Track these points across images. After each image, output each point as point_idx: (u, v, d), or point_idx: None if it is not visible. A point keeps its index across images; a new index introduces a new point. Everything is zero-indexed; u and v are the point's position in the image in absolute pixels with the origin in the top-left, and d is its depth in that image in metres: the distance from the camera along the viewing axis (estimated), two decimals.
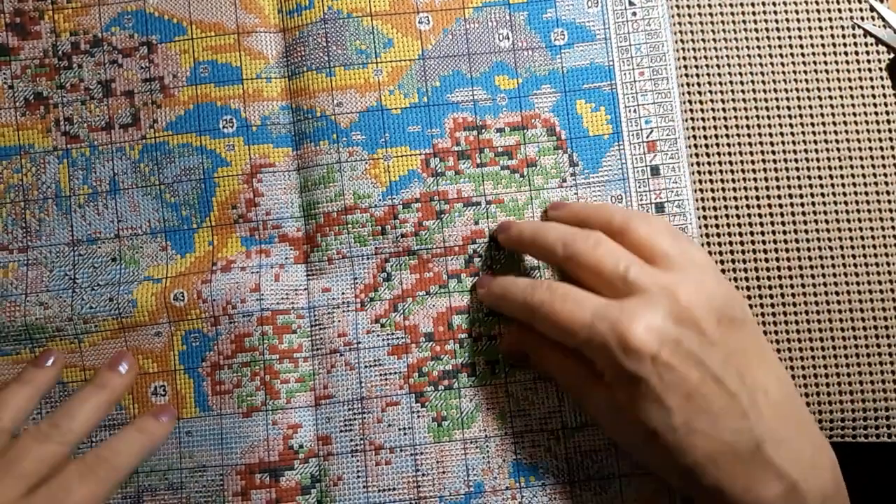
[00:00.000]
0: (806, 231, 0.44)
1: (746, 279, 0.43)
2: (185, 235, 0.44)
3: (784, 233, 0.44)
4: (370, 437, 0.42)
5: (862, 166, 0.44)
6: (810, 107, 0.45)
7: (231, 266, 0.43)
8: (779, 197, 0.44)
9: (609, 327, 0.35)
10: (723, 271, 0.43)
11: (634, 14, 0.44)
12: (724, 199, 0.44)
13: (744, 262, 0.43)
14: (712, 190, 0.44)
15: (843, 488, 0.36)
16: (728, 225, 0.44)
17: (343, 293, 0.43)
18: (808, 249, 0.44)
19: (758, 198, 0.44)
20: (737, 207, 0.43)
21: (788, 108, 0.44)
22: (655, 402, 0.35)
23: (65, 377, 0.43)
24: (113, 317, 0.43)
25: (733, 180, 0.44)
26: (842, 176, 0.44)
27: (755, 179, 0.44)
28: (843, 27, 0.45)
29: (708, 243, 0.43)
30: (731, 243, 0.43)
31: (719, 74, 0.44)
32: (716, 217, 0.44)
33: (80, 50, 0.44)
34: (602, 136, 0.44)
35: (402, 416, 0.42)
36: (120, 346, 0.43)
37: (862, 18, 0.45)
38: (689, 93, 0.44)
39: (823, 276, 0.44)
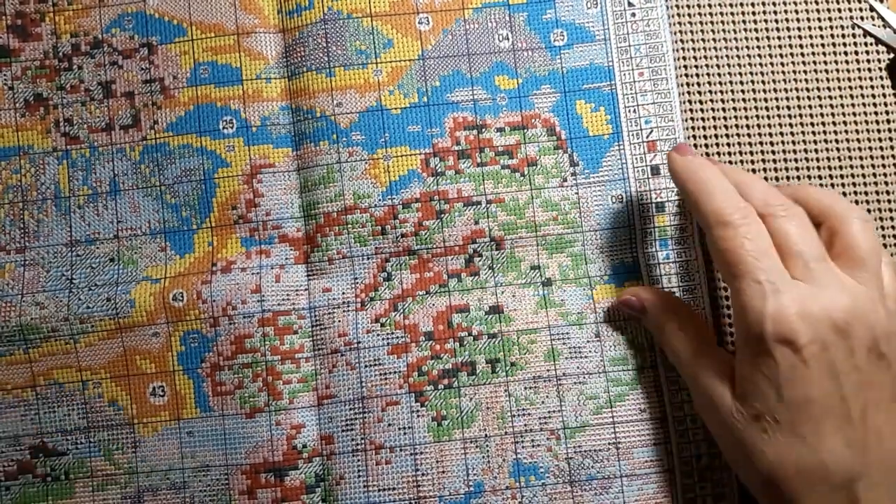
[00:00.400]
0: None
1: None
2: (185, 236, 0.44)
3: None
4: (371, 436, 0.42)
5: (862, 166, 0.45)
6: (810, 106, 0.45)
7: (231, 267, 0.43)
8: None
9: (772, 293, 0.34)
10: None
11: (633, 15, 0.44)
12: None
13: None
14: None
15: None
16: None
17: (343, 293, 0.43)
18: None
19: None
20: None
21: (788, 107, 0.45)
22: (773, 388, 0.35)
23: (60, 378, 0.43)
24: (110, 317, 0.43)
25: None
26: (841, 175, 0.45)
27: None
28: (842, 27, 0.46)
29: None
30: None
31: (719, 74, 0.45)
32: None
33: (80, 51, 0.45)
34: (602, 136, 0.44)
35: (402, 415, 0.42)
36: (116, 347, 0.43)
37: (862, 18, 0.46)
38: (688, 93, 0.45)
39: None
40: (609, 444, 0.42)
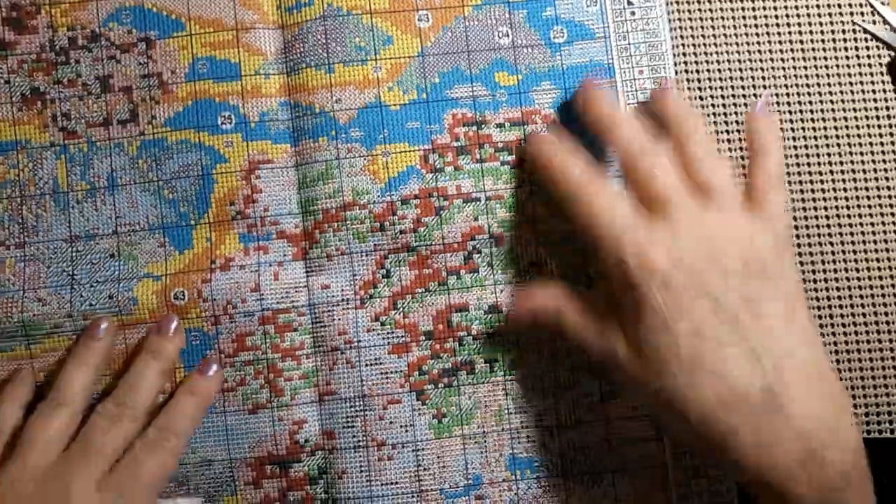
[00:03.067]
0: (807, 227, 0.46)
1: None
2: (183, 232, 0.46)
3: None
4: (372, 433, 0.45)
5: (862, 162, 0.47)
6: (810, 103, 0.47)
7: (230, 264, 0.45)
8: None
9: (632, 242, 0.38)
10: None
11: (633, 13, 0.46)
12: None
13: None
14: None
15: (868, 481, 0.37)
16: None
17: (342, 290, 0.45)
18: (809, 245, 0.47)
19: None
20: None
21: (788, 104, 0.47)
22: (662, 328, 0.37)
23: None
24: (113, 314, 0.45)
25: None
26: (842, 171, 0.47)
27: None
28: (843, 26, 0.48)
29: None
30: None
31: (719, 71, 0.47)
32: None
33: (77, 45, 0.47)
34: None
35: (403, 413, 0.45)
36: (119, 343, 0.45)
37: (862, 17, 0.48)
38: (689, 89, 0.46)
39: (824, 271, 0.46)
40: (601, 440, 0.45)
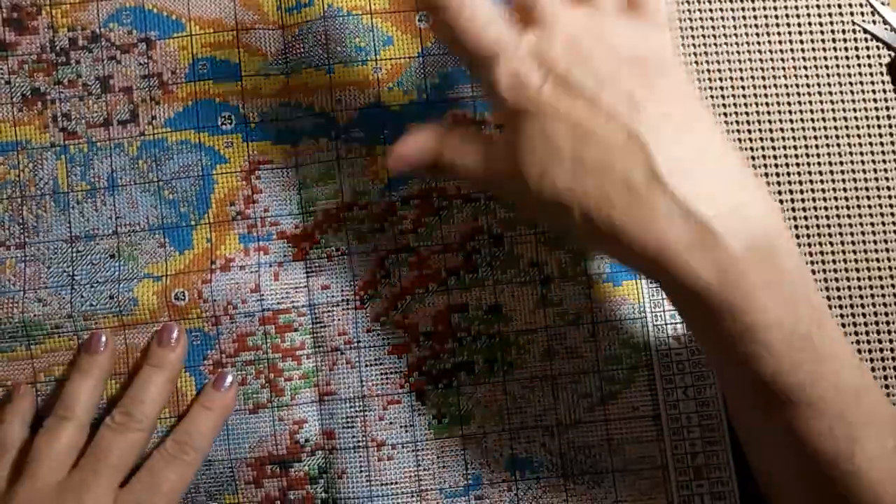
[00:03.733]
0: (806, 227, 0.47)
1: None
2: (184, 232, 0.46)
3: None
4: (372, 433, 0.45)
5: (862, 162, 0.47)
6: (810, 103, 0.48)
7: (230, 265, 0.46)
8: (779, 193, 0.47)
9: (503, 59, 0.36)
10: None
11: None
12: None
13: None
14: None
15: (785, 246, 0.35)
16: None
17: (343, 290, 0.46)
18: (808, 245, 0.47)
19: None
20: None
21: (789, 104, 0.48)
22: (542, 138, 0.35)
23: (61, 375, 0.46)
24: (114, 314, 0.45)
25: None
26: (842, 172, 0.47)
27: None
28: (843, 26, 0.48)
29: None
30: None
31: (719, 70, 0.47)
32: None
33: (77, 46, 0.47)
34: None
35: (403, 414, 0.45)
36: (119, 344, 0.46)
37: (863, 17, 0.48)
38: None
39: (824, 271, 0.47)
40: (602, 440, 0.45)
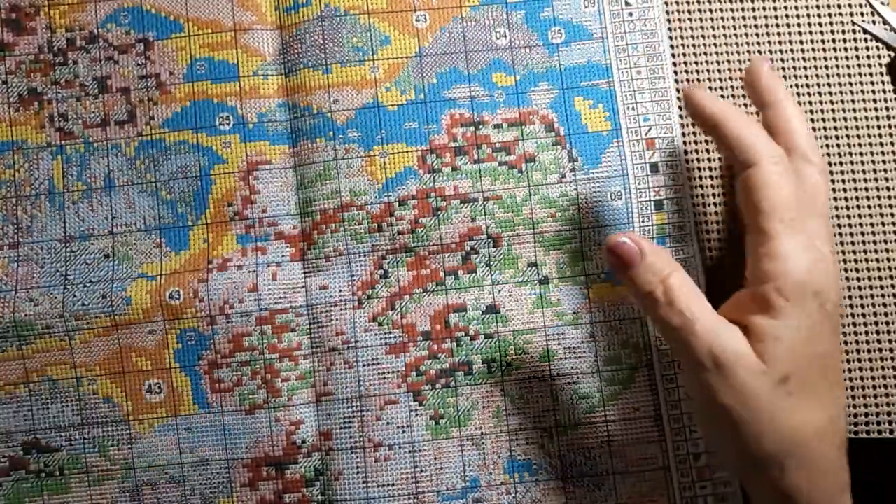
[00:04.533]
0: None
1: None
2: (181, 233, 0.46)
3: None
4: (369, 434, 0.45)
5: (862, 162, 0.47)
6: (810, 103, 0.48)
7: (227, 265, 0.46)
8: None
9: (811, 245, 0.37)
10: (719, 268, 0.46)
11: (630, 14, 0.47)
12: (724, 195, 0.47)
13: (742, 259, 0.46)
14: (712, 187, 0.47)
15: None
16: (723, 222, 0.47)
17: (340, 291, 0.46)
18: None
19: None
20: (735, 205, 0.46)
21: None
22: (803, 343, 0.36)
23: (54, 375, 0.46)
24: (106, 314, 0.45)
25: (731, 177, 0.46)
26: (842, 173, 0.47)
27: None
28: (843, 26, 0.48)
29: (708, 240, 0.46)
30: (730, 241, 0.46)
31: (719, 71, 0.48)
32: (716, 213, 0.47)
33: (75, 46, 0.47)
34: (601, 133, 0.47)
35: (400, 414, 0.45)
36: (112, 344, 0.46)
37: (862, 18, 0.48)
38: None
39: None
40: (602, 442, 0.45)
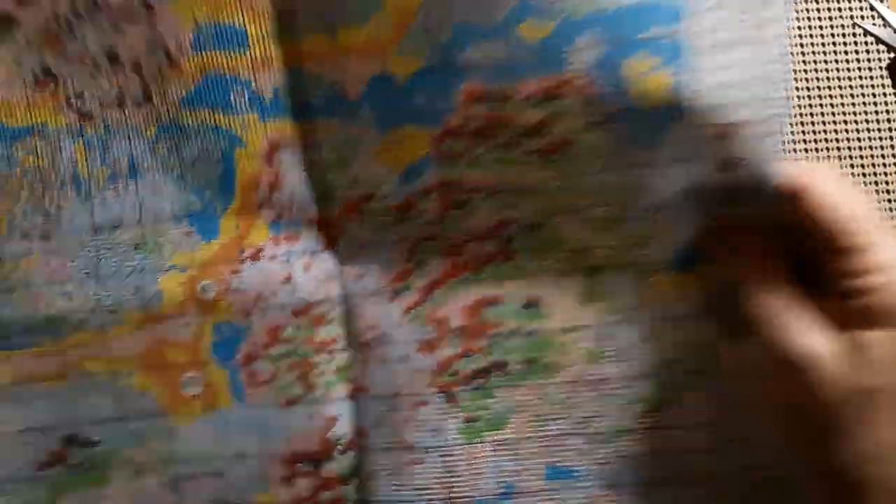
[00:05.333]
0: None
1: None
2: (210, 220, 0.45)
3: None
4: (401, 435, 0.44)
5: (862, 165, 0.48)
6: (810, 105, 0.48)
7: (260, 255, 0.44)
8: None
9: None
10: None
11: None
12: None
13: None
14: None
15: None
16: None
17: (374, 282, 0.44)
18: None
19: None
20: None
21: None
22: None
23: (91, 368, 0.46)
24: (139, 308, 0.45)
25: None
26: (842, 172, 0.48)
27: None
28: (842, 27, 0.48)
29: None
30: None
31: None
32: None
33: (79, 15, 0.44)
34: (659, 109, 0.38)
35: (431, 416, 0.44)
36: (147, 338, 0.45)
37: (862, 18, 0.49)
38: None
39: None
40: (652, 450, 0.42)
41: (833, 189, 0.37)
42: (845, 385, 0.35)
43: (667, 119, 0.39)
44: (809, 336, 0.36)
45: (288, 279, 0.44)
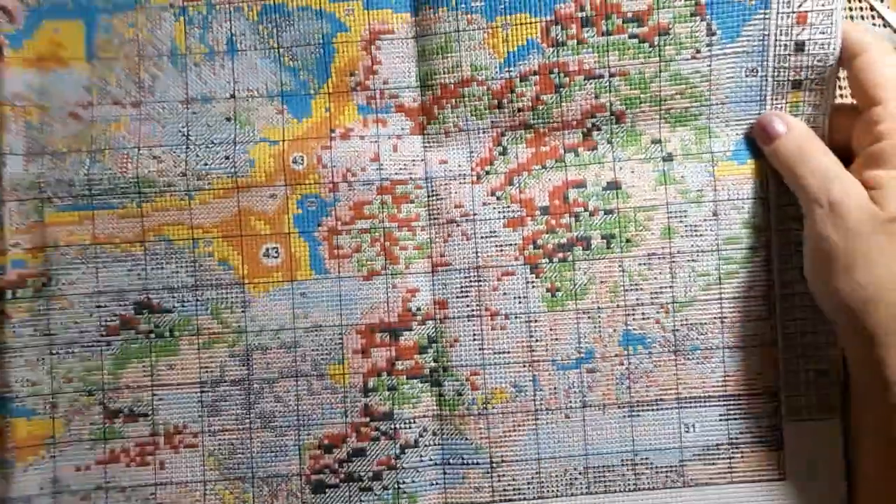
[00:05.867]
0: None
1: None
2: (303, 100, 0.47)
3: None
4: (486, 303, 0.46)
5: None
6: None
7: (350, 134, 0.46)
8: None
9: None
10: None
11: None
12: None
13: None
14: None
15: None
16: None
17: (459, 166, 0.46)
18: None
19: None
20: None
21: None
22: None
23: (171, 235, 0.46)
24: (228, 175, 0.46)
25: None
26: None
27: None
28: None
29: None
30: None
31: None
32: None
33: None
34: (746, 1, 0.45)
35: (517, 285, 0.46)
36: (231, 206, 0.46)
37: (862, 18, 0.49)
38: None
39: None
40: (715, 317, 0.46)
41: (878, 58, 0.42)
42: (867, 219, 0.40)
43: (751, 10, 0.45)
44: (849, 182, 0.42)
45: (376, 158, 0.46)
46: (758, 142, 0.45)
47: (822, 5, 0.44)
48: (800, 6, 0.44)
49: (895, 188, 0.40)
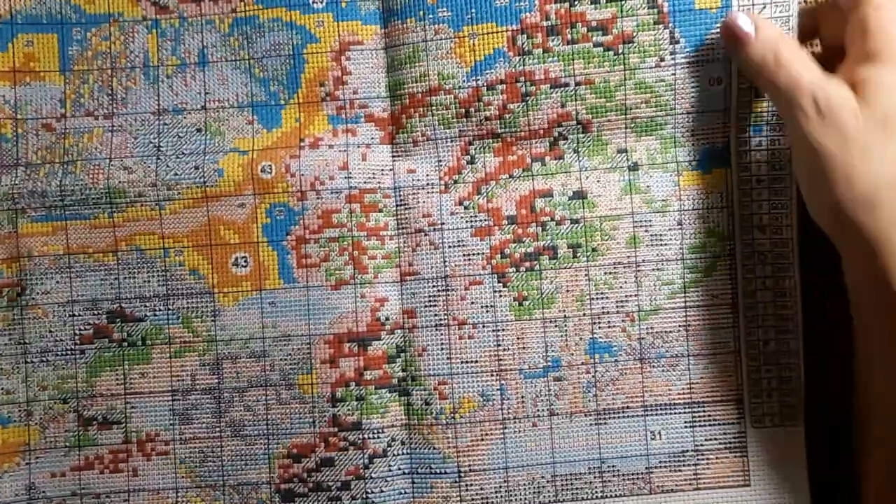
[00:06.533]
0: (810, 229, 0.46)
1: None
2: (273, 111, 0.47)
3: None
4: (454, 312, 0.46)
5: None
6: None
7: (319, 143, 0.47)
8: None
9: None
10: None
11: None
12: None
13: None
14: None
15: None
16: None
17: (427, 175, 0.47)
18: (812, 246, 0.46)
19: None
20: None
21: None
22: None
23: (142, 245, 0.47)
24: (197, 185, 0.46)
25: None
26: None
27: None
28: None
29: None
30: None
31: None
32: None
33: None
34: (708, 10, 0.45)
35: (484, 294, 0.46)
36: (201, 216, 0.47)
37: None
38: None
39: (828, 272, 0.45)
40: (680, 325, 0.46)
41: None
42: (862, 121, 0.39)
43: (713, 18, 0.45)
44: (835, 86, 0.40)
45: (344, 167, 0.46)
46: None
47: (780, 12, 0.45)
48: (759, 13, 0.45)
49: (877, 87, 0.39)
